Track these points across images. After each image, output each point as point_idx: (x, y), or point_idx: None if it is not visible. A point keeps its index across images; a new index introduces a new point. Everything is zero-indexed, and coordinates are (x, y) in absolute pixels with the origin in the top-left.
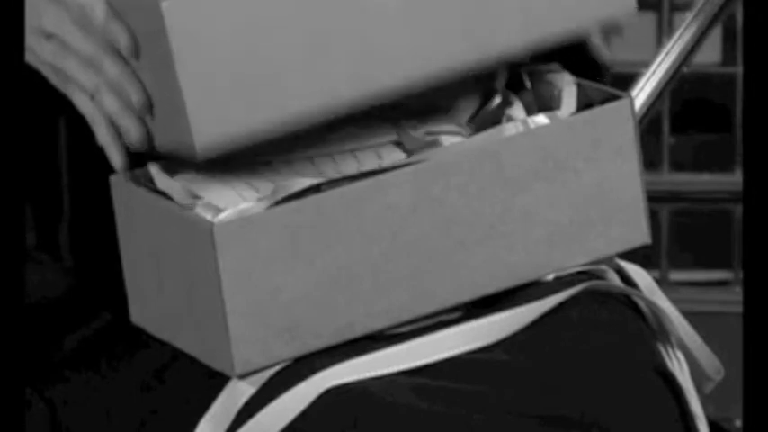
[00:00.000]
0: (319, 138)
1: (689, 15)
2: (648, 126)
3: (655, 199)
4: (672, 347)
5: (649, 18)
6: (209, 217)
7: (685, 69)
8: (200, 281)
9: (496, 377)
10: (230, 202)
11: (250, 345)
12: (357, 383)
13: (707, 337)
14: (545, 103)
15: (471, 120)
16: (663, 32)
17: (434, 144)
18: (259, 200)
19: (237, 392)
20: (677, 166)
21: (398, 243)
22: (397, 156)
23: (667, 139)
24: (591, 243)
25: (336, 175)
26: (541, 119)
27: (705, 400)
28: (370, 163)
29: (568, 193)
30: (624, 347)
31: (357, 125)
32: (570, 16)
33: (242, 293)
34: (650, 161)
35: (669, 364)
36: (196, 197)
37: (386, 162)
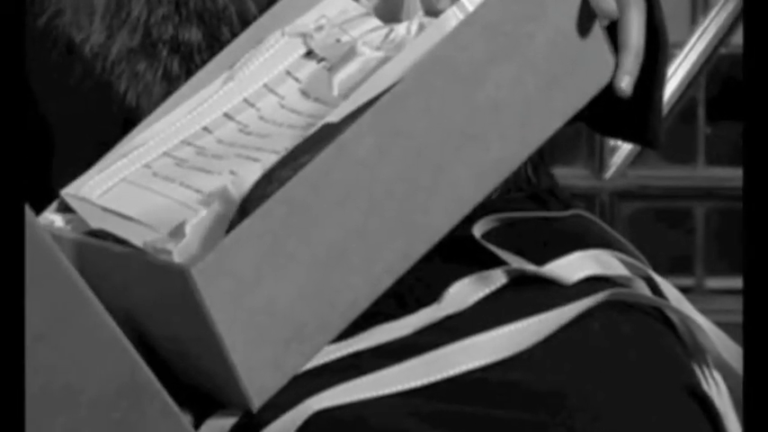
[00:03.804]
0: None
1: None
2: (681, 115)
3: (688, 196)
4: (708, 366)
5: None
6: (176, 256)
7: (723, 51)
8: (188, 325)
9: (508, 398)
10: (176, 214)
11: (261, 371)
12: (349, 408)
13: None
14: None
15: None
16: (698, 10)
17: (351, 53)
18: (203, 202)
19: (218, 423)
20: (714, 159)
21: (377, 194)
22: (312, 68)
23: (703, 128)
24: (563, 101)
25: (267, 126)
26: None
27: None
28: (288, 91)
29: (526, 61)
30: (653, 366)
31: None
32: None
33: (237, 323)
34: (683, 154)
35: (704, 385)
36: (143, 224)
37: (303, 80)
